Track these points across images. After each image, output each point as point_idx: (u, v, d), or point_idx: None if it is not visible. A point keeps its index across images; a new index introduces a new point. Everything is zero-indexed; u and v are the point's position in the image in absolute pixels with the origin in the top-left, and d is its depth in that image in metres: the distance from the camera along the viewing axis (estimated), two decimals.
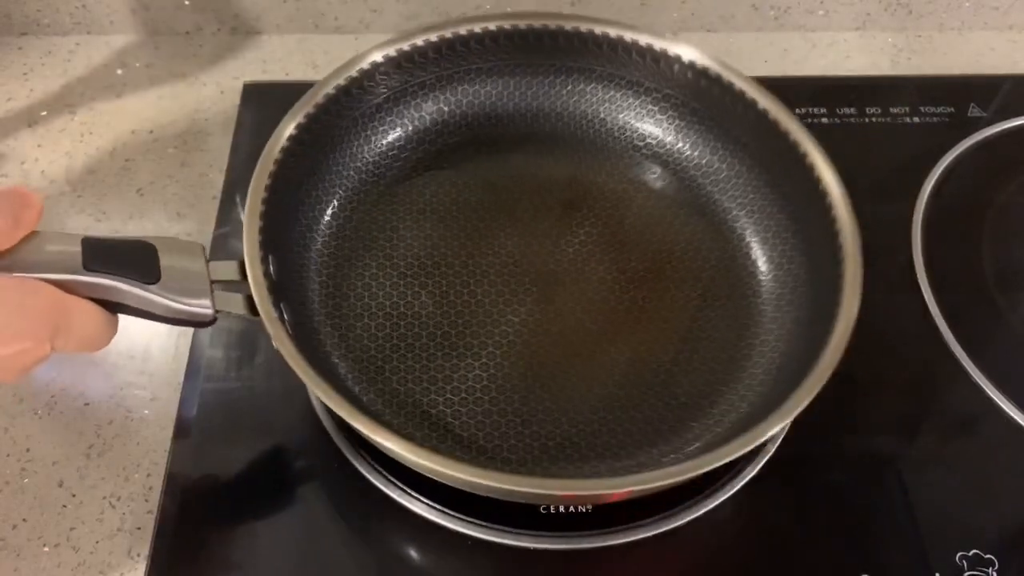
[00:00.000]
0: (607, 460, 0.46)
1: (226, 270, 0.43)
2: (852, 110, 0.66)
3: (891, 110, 0.66)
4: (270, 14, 0.71)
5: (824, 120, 0.65)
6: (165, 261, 0.40)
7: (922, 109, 0.66)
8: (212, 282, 0.42)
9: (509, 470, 0.46)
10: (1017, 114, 0.66)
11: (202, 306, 0.41)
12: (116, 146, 0.64)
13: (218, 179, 0.61)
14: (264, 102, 0.66)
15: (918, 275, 0.57)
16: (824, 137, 0.63)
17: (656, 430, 0.47)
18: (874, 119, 0.66)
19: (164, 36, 0.72)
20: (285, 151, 0.49)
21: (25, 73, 0.69)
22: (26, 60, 0.70)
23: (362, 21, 0.72)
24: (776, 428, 0.40)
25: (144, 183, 0.62)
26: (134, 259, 0.40)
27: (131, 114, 0.66)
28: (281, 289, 0.46)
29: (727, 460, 0.40)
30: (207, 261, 0.42)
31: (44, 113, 0.66)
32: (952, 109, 0.66)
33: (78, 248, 0.38)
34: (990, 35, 0.75)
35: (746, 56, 0.73)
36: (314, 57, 0.71)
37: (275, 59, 0.71)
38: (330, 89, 0.53)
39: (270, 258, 0.46)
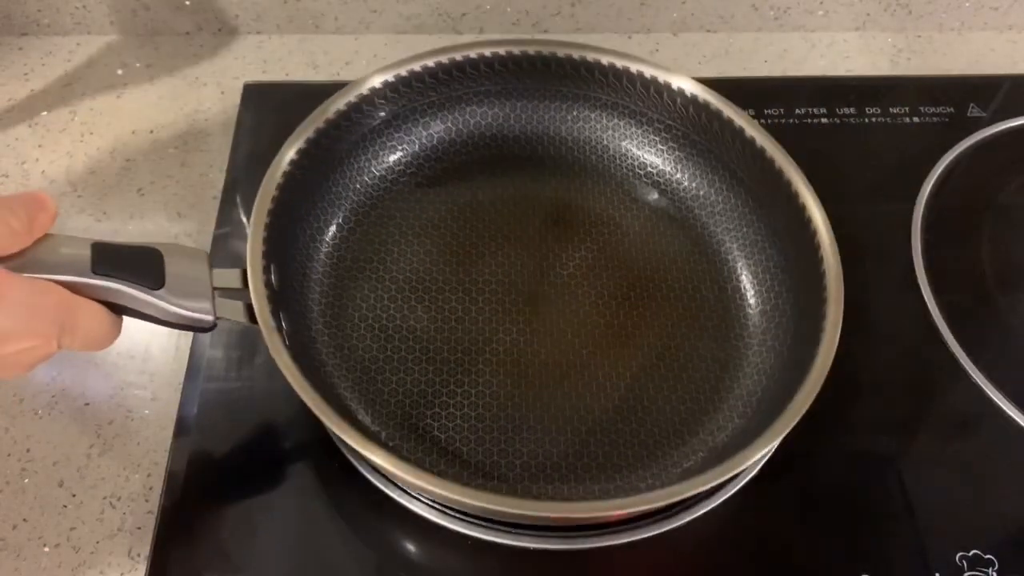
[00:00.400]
0: (586, 482, 0.47)
1: (229, 278, 0.44)
2: (852, 110, 0.66)
3: (891, 110, 0.66)
4: (270, 14, 0.71)
5: (824, 120, 0.65)
6: (170, 268, 0.41)
7: (922, 109, 0.66)
8: (214, 289, 0.43)
9: (490, 488, 0.46)
10: (1017, 114, 0.66)
11: (203, 311, 0.42)
12: (116, 146, 0.64)
13: (218, 179, 0.61)
14: (264, 102, 0.66)
15: (918, 275, 0.57)
16: (824, 137, 0.64)
17: (636, 455, 0.48)
18: (874, 119, 0.66)
19: (164, 36, 0.72)
20: (293, 164, 0.50)
21: (25, 73, 0.69)
22: (26, 60, 0.70)
23: (362, 22, 0.72)
24: (748, 462, 0.41)
25: (144, 183, 0.62)
26: (140, 264, 0.41)
27: (131, 114, 0.66)
28: (281, 299, 0.47)
29: (701, 489, 0.41)
30: (211, 269, 0.43)
31: (44, 113, 0.66)
32: (952, 109, 0.66)
33: (87, 252, 0.39)
34: (990, 35, 0.75)
35: (746, 56, 0.73)
36: (314, 57, 0.71)
37: (275, 59, 0.71)
38: (341, 105, 0.53)
39: (272, 268, 0.46)
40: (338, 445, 0.48)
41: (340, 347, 0.51)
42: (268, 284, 0.45)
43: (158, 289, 0.40)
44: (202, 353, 0.52)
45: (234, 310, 0.44)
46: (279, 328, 0.44)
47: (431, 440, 0.48)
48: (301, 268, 0.52)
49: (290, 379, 0.42)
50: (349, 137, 0.55)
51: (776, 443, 0.42)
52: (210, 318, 0.42)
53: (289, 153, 0.50)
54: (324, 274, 0.53)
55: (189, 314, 0.42)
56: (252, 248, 0.46)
